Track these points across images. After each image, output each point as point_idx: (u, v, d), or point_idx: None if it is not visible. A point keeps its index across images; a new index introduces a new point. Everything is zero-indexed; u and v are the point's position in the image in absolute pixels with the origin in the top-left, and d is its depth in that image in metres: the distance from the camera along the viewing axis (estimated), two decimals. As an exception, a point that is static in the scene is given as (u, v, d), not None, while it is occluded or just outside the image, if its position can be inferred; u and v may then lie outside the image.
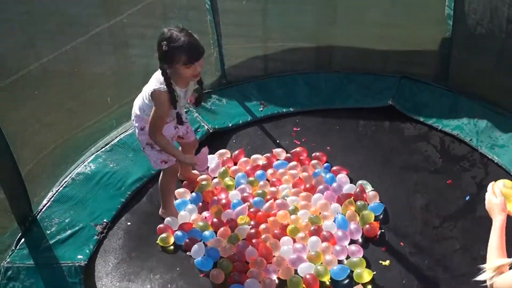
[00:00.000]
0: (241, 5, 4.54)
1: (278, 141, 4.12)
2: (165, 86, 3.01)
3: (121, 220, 3.64)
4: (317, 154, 3.90)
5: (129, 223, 3.63)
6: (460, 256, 3.30)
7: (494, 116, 4.11)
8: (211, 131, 4.16)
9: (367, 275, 3.16)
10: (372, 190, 3.66)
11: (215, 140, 4.13)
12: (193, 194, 3.69)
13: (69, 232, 3.50)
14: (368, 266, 3.24)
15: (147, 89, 3.12)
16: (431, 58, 4.45)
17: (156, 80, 3.08)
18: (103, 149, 4.03)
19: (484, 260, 3.20)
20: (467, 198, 3.63)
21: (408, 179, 3.79)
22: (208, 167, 3.77)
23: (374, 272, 3.20)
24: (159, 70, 3.07)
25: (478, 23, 3.99)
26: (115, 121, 4.23)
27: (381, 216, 3.54)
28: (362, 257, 3.27)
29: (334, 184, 3.67)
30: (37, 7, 4.83)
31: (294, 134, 4.16)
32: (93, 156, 3.97)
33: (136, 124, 3.27)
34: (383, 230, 3.46)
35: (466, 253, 3.31)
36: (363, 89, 4.46)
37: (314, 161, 3.85)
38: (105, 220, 3.59)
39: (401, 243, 3.38)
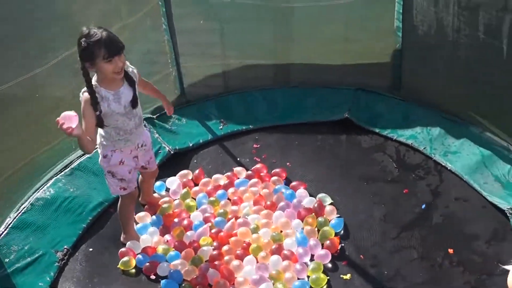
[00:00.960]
0: (199, 24, 4.57)
1: (238, 159, 4.18)
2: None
3: (82, 246, 3.62)
4: (277, 170, 3.97)
5: (90, 249, 3.61)
6: (418, 265, 3.38)
7: (446, 123, 4.24)
8: (172, 152, 4.19)
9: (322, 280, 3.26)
10: (330, 203, 3.74)
11: (176, 160, 4.17)
12: (154, 217, 3.71)
13: (28, 259, 3.45)
14: (329, 281, 3.31)
15: None
16: (384, 69, 4.55)
17: None
18: (63, 172, 3.99)
19: (441, 268, 3.32)
20: (423, 206, 3.73)
21: (366, 190, 3.88)
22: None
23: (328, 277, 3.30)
24: None
25: (427, 34, 4.11)
26: (74, 143, 4.22)
27: (341, 231, 3.61)
28: (323, 272, 3.33)
29: (294, 200, 3.74)
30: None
31: (254, 151, 4.23)
32: (53, 180, 3.93)
33: (99, 151, 3.31)
34: (343, 244, 3.53)
35: (424, 262, 3.40)
36: (320, 103, 4.56)
37: (274, 178, 3.91)
38: (66, 247, 3.56)
39: (361, 256, 3.45)
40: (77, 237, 3.64)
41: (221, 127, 4.42)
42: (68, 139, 4.14)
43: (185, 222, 3.64)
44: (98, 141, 3.26)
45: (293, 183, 3.88)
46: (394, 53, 4.42)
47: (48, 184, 3.90)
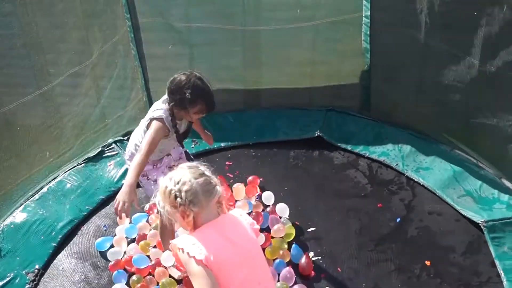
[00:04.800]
0: (167, 50, 4.58)
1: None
2: (167, 119, 3.16)
3: (53, 264, 3.55)
4: (250, 178, 3.95)
5: (61, 268, 3.52)
6: (396, 277, 3.35)
7: (417, 141, 4.30)
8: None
9: None
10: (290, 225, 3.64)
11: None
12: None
13: None
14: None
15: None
16: (353, 90, 4.62)
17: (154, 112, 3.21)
18: (32, 198, 3.99)
19: (418, 279, 3.28)
20: (398, 220, 3.72)
21: (341, 206, 3.86)
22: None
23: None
24: (158, 104, 3.23)
25: (394, 54, 4.21)
26: (48, 171, 4.17)
27: (318, 249, 3.56)
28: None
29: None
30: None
31: (227, 168, 4.18)
32: (23, 206, 3.92)
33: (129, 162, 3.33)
34: (320, 258, 3.47)
35: (402, 274, 3.36)
36: (291, 123, 4.59)
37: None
38: (37, 267, 3.49)
39: (338, 269, 3.40)
40: (48, 257, 3.57)
41: (193, 146, 4.39)
42: (44, 169, 4.07)
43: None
44: (129, 151, 3.43)
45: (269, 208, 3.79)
46: (362, 74, 4.50)
47: (18, 210, 3.91)
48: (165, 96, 3.24)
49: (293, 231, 3.56)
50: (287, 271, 3.30)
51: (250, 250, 2.38)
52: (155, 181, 3.40)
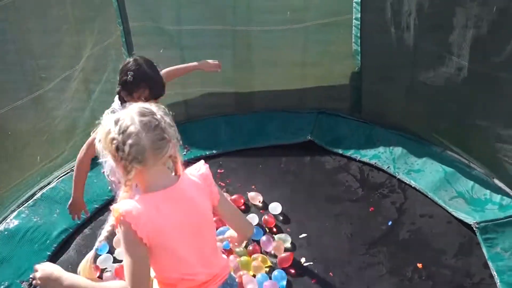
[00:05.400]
0: (159, 53, 4.56)
1: (203, 184, 4.10)
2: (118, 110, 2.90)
3: None
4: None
5: (56, 277, 3.49)
6: (388, 280, 3.35)
7: (408, 143, 4.30)
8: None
9: None
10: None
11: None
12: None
13: None
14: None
15: None
16: (344, 92, 4.62)
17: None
18: (26, 204, 3.96)
19: (411, 282, 3.28)
20: (390, 223, 3.72)
21: (332, 210, 3.85)
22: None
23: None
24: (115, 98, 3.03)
25: (385, 55, 4.20)
26: (40, 176, 4.15)
27: (310, 254, 3.55)
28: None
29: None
30: None
31: (218, 176, 4.17)
32: (16, 212, 3.89)
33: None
34: (311, 263, 3.47)
35: (394, 277, 3.36)
36: (282, 127, 4.57)
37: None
38: (31, 276, 3.39)
39: (330, 274, 3.40)
40: None
41: (185, 152, 4.37)
42: (36, 174, 4.06)
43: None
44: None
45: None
46: (353, 76, 4.50)
47: (12, 216, 3.87)
48: None
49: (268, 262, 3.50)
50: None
51: (198, 226, 2.08)
52: None
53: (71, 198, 3.12)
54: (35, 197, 4.02)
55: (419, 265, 3.42)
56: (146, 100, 2.87)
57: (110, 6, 4.21)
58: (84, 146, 2.96)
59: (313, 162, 4.28)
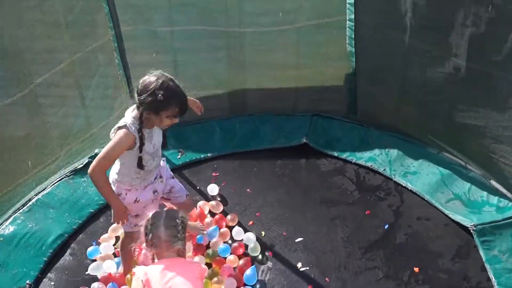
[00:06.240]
0: (151, 58, 4.53)
1: (198, 187, 4.10)
2: (131, 126, 2.89)
3: (44, 279, 3.52)
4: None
5: (52, 283, 3.50)
6: (384, 284, 3.33)
7: (404, 144, 4.27)
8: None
9: None
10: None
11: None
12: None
13: None
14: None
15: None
16: (339, 94, 4.58)
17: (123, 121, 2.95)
18: (21, 210, 3.93)
19: (407, 286, 3.26)
20: (386, 226, 3.69)
21: (328, 214, 3.83)
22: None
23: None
24: (130, 111, 2.97)
25: (379, 56, 4.17)
26: (34, 183, 4.11)
27: (306, 259, 3.53)
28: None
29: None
30: None
31: (213, 180, 4.14)
32: (11, 218, 3.87)
33: (113, 188, 3.11)
34: (307, 268, 3.44)
35: (390, 281, 3.35)
36: (277, 130, 4.55)
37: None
38: (28, 282, 3.47)
39: (326, 279, 3.38)
40: (39, 271, 3.55)
41: (179, 156, 4.34)
42: (30, 180, 4.04)
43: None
44: (111, 178, 3.11)
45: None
46: (348, 77, 4.46)
47: (7, 223, 3.85)
48: (134, 106, 2.97)
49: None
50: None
51: None
52: (135, 216, 3.15)
53: (112, 210, 3.05)
54: (30, 203, 3.98)
55: (416, 269, 3.40)
56: (175, 117, 2.89)
57: (100, 10, 4.14)
58: (100, 161, 2.88)
59: (308, 165, 4.25)
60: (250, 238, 3.61)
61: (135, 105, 2.96)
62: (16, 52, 3.84)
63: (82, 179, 4.19)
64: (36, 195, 4.05)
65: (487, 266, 3.36)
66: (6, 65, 3.83)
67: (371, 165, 4.15)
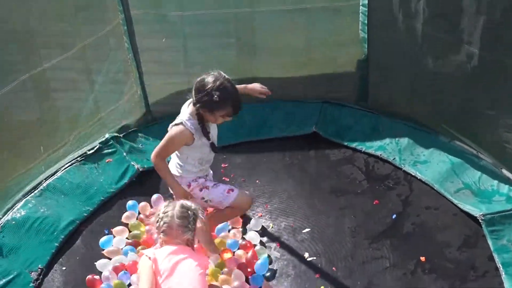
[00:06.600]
0: (161, 42, 4.52)
1: (207, 177, 4.09)
2: (187, 123, 3.08)
3: (56, 264, 3.56)
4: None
5: (64, 268, 3.54)
6: (391, 274, 3.34)
7: (415, 133, 4.24)
8: (141, 170, 4.14)
9: None
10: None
11: (144, 180, 4.11)
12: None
13: (3, 281, 3.36)
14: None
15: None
16: (350, 80, 4.55)
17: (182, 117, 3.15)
18: (32, 194, 3.95)
19: (413, 276, 3.27)
20: (394, 216, 3.69)
21: (336, 203, 3.84)
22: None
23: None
24: (186, 107, 3.17)
25: (392, 44, 4.12)
26: (44, 167, 4.13)
27: (313, 249, 3.54)
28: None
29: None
30: None
31: (222, 171, 4.15)
32: (23, 202, 3.89)
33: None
34: (315, 258, 3.47)
35: (397, 270, 3.36)
36: (287, 118, 4.53)
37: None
38: (40, 266, 3.51)
39: (334, 268, 3.40)
40: (50, 256, 3.59)
41: (188, 146, 4.34)
42: (40, 164, 4.07)
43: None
44: (176, 173, 3.31)
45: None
46: (360, 64, 4.43)
47: (18, 206, 3.87)
48: (190, 100, 3.17)
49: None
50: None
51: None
52: (215, 185, 3.37)
53: (175, 197, 3.25)
54: (41, 187, 4.00)
55: (422, 259, 3.40)
56: (229, 116, 3.09)
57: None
58: (159, 151, 3.17)
59: (318, 154, 4.25)
60: (254, 238, 3.63)
61: (190, 100, 3.15)
62: (26, 35, 3.86)
63: (93, 164, 4.21)
64: (46, 179, 4.06)
65: (495, 255, 3.34)
66: (16, 48, 3.86)
67: (380, 154, 4.13)
